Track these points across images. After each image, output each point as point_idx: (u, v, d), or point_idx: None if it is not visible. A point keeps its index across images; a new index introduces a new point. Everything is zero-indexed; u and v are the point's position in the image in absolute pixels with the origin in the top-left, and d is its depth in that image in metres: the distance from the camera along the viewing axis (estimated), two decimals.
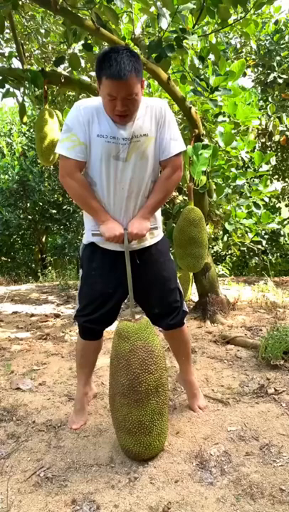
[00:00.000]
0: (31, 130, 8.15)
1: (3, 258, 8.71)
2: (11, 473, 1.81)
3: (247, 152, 3.64)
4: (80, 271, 2.04)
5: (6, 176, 8.06)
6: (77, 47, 4.15)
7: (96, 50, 4.23)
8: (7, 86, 3.56)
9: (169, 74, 2.83)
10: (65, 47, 4.39)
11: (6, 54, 4.01)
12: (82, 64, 3.95)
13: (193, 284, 3.97)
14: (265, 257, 7.65)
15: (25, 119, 3.74)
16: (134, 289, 1.90)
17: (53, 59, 4.23)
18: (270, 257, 7.86)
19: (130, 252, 1.85)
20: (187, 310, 2.12)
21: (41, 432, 2.09)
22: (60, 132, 1.77)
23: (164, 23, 2.32)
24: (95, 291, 1.95)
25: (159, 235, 2.02)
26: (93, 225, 1.89)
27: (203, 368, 2.76)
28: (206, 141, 3.16)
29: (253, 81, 6.31)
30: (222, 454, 1.89)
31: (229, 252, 7.73)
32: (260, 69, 5.84)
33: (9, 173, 8.06)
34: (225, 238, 3.68)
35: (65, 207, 8.14)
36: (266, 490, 1.66)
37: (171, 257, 2.11)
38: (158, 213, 2.00)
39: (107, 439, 2.02)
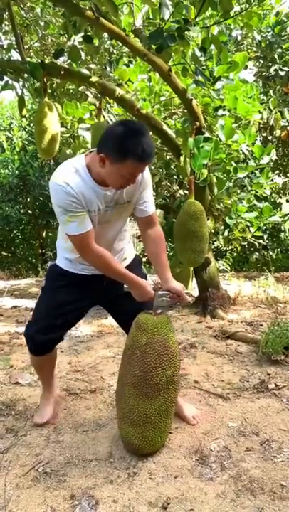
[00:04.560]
0: (31, 124, 8.10)
1: (3, 253, 8.68)
2: (9, 467, 1.79)
3: (248, 146, 3.61)
4: (44, 283, 2.02)
5: (6, 171, 8.02)
6: (77, 39, 4.10)
7: (96, 42, 4.19)
8: (6, 78, 3.52)
9: (170, 66, 2.79)
10: (65, 39, 4.35)
11: (5, 46, 3.95)
12: (82, 56, 3.91)
13: (194, 279, 3.95)
14: (265, 253, 7.61)
15: (24, 112, 3.70)
16: (109, 309, 2.04)
17: (53, 51, 4.18)
18: (271, 253, 7.83)
19: (99, 275, 1.88)
20: None
21: (40, 427, 2.08)
22: (58, 212, 1.69)
23: (166, 14, 2.28)
24: (56, 301, 1.90)
25: (128, 258, 2.04)
26: (71, 256, 1.89)
27: (204, 363, 2.74)
28: (207, 135, 3.12)
29: (254, 75, 6.25)
30: (222, 449, 1.87)
31: (230, 247, 7.71)
32: (262, 61, 5.78)
33: (9, 167, 8.03)
34: (226, 233, 3.65)
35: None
36: (266, 486, 1.65)
37: (144, 270, 2.16)
38: (127, 244, 2.03)
39: (106, 433, 2.01)
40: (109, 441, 1.94)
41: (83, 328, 3.44)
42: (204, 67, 2.89)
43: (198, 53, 2.90)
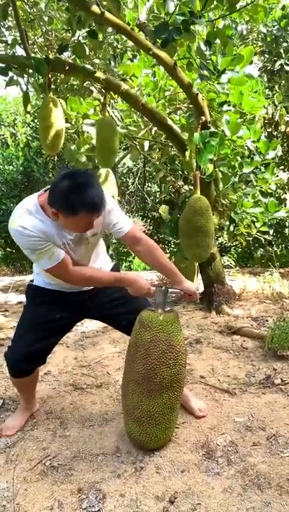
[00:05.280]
0: (35, 120, 8.09)
1: (8, 249, 8.70)
2: (16, 461, 1.80)
3: (253, 141, 3.58)
4: (25, 301, 2.00)
5: (11, 167, 8.01)
6: (81, 34, 4.08)
7: (100, 36, 4.16)
8: (10, 74, 3.51)
9: (175, 60, 2.77)
10: (69, 34, 4.32)
11: (10, 42, 3.94)
12: (86, 51, 3.89)
13: (199, 274, 3.94)
14: (270, 249, 7.58)
15: (29, 108, 3.68)
16: (103, 319, 2.06)
17: (57, 47, 4.16)
18: (275, 249, 7.80)
19: (78, 291, 1.91)
20: None
21: (47, 421, 2.09)
22: (26, 253, 1.70)
23: (171, 6, 2.26)
24: (37, 318, 1.87)
25: (103, 267, 2.02)
26: (46, 279, 1.89)
27: (209, 359, 2.74)
28: (212, 129, 3.10)
29: (259, 69, 6.20)
30: (229, 444, 1.88)
31: (234, 243, 7.68)
32: (267, 56, 5.73)
33: (13, 163, 8.02)
34: (231, 228, 3.63)
35: None
36: (273, 480, 1.65)
37: None
38: (103, 255, 2.04)
39: (112, 428, 2.01)
40: (115, 436, 1.95)
41: (89, 323, 3.45)
42: (209, 62, 2.86)
43: (203, 47, 2.87)
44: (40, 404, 2.22)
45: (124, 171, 8.78)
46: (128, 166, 8.78)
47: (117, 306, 1.90)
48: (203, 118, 2.93)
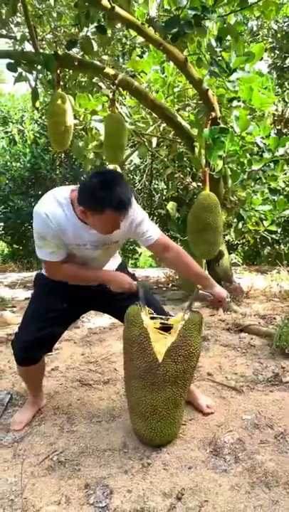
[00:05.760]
0: (43, 117, 8.09)
1: (15, 246, 8.73)
2: (24, 456, 1.81)
3: (262, 138, 3.55)
4: (33, 292, 2.04)
5: (18, 164, 8.03)
6: (89, 30, 4.07)
7: (109, 32, 4.15)
8: (19, 70, 3.50)
9: (186, 55, 2.75)
10: (78, 30, 4.31)
11: (18, 38, 3.93)
12: (95, 48, 3.88)
13: (206, 271, 3.93)
14: (277, 247, 7.53)
15: (37, 105, 3.68)
16: (110, 311, 2.07)
17: (65, 43, 4.15)
18: (283, 247, 7.75)
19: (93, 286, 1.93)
20: None
21: (54, 417, 2.09)
22: (35, 236, 1.74)
23: (183, 0, 2.24)
24: (44, 306, 1.90)
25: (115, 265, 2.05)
26: None
27: (216, 356, 2.73)
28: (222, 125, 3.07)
29: (269, 66, 6.15)
30: (236, 441, 1.87)
31: (241, 241, 7.65)
32: (277, 52, 5.68)
33: (21, 160, 8.04)
34: (240, 225, 3.61)
35: None
36: (281, 478, 1.64)
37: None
38: (115, 257, 2.06)
39: (120, 424, 2.01)
40: (123, 432, 1.95)
41: (96, 320, 3.45)
42: (220, 58, 2.83)
43: (213, 43, 2.85)
44: (48, 400, 2.23)
45: (132, 168, 8.76)
46: (135, 164, 8.77)
47: (123, 299, 1.89)
48: (213, 114, 2.91)
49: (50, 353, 2.73)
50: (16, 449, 1.86)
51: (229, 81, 2.77)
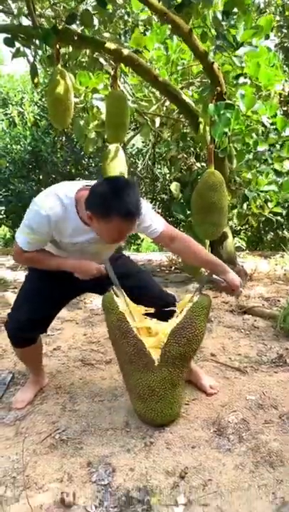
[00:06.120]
0: (43, 99, 7.95)
1: (16, 229, 8.68)
2: (26, 434, 1.79)
3: (268, 118, 3.46)
4: (27, 273, 1.98)
5: (18, 147, 7.92)
6: (90, 4, 3.93)
7: (110, 8, 4.02)
8: (17, 45, 3.39)
9: (191, 27, 2.65)
10: (77, 3, 4.17)
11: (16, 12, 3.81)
12: (96, 25, 3.75)
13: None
14: (280, 232, 7.46)
15: (36, 80, 3.58)
16: (95, 289, 1.98)
17: (65, 18, 4.03)
18: (286, 232, 7.67)
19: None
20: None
21: (56, 396, 2.07)
22: (24, 221, 1.67)
23: None
24: (39, 287, 1.86)
25: None
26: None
27: (220, 337, 2.70)
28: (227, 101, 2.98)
29: (275, 46, 5.98)
30: (240, 421, 1.84)
31: (244, 226, 7.57)
32: (285, 31, 5.52)
33: (21, 143, 7.92)
34: (244, 206, 3.54)
35: (78, 178, 8.02)
36: (285, 458, 1.62)
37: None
38: None
39: (122, 403, 1.99)
40: (125, 411, 1.92)
41: (97, 301, 3.41)
42: (226, 33, 2.72)
43: (219, 17, 2.74)
44: (50, 379, 2.20)
45: (134, 152, 8.64)
46: (137, 148, 8.65)
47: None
48: (219, 89, 2.81)
49: (51, 334, 2.72)
50: (18, 427, 1.84)
51: (236, 55, 2.67)
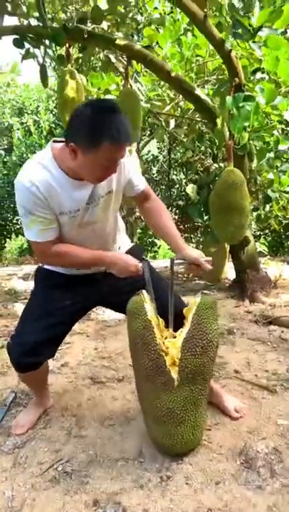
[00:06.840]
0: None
1: None
2: (25, 465, 1.58)
3: None
4: (33, 288, 1.78)
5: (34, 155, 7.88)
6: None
7: (120, 8, 3.88)
8: (27, 46, 3.28)
9: (206, 13, 2.45)
10: (89, 8, 4.06)
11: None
12: (107, 24, 3.61)
13: (230, 259, 3.63)
14: None
15: (46, 82, 3.44)
16: (110, 302, 1.81)
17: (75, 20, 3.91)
18: None
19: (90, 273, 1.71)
20: None
21: (61, 419, 1.86)
22: (21, 213, 1.50)
23: None
24: (46, 303, 1.66)
25: (122, 247, 1.82)
26: None
27: (244, 351, 2.45)
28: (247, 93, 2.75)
29: None
30: (271, 451, 1.59)
31: (264, 231, 7.28)
32: None
33: (37, 151, 7.87)
34: (267, 207, 3.29)
35: None
36: None
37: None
38: (122, 232, 1.85)
39: (135, 428, 1.76)
40: (138, 438, 1.69)
41: (110, 312, 3.20)
42: (243, 18, 2.52)
43: (236, 3, 2.54)
44: (55, 400, 1.99)
45: (149, 159, 8.49)
46: (152, 154, 8.49)
47: (133, 290, 1.61)
48: (237, 80, 2.59)
49: (59, 348, 2.52)
50: (17, 456, 1.63)
51: (254, 41, 2.45)
